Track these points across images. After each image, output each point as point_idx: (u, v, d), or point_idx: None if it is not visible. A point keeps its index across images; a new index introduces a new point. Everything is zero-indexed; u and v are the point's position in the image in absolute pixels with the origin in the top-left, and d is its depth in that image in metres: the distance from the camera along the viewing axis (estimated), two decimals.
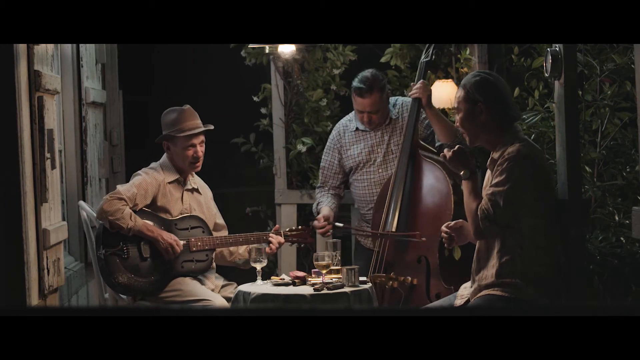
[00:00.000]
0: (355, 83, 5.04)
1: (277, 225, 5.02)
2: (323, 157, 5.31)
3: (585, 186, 4.51)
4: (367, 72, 5.07)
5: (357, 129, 5.17)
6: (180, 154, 4.69)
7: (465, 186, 3.72)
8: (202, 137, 4.72)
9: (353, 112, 5.25)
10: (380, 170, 5.10)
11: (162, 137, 4.72)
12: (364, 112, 5.05)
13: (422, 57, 5.05)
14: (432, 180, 4.78)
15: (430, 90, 4.95)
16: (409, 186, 4.83)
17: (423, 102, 4.90)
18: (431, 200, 4.77)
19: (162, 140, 4.73)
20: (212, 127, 4.75)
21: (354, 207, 5.54)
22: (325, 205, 5.18)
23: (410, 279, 4.70)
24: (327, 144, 5.31)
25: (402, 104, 5.14)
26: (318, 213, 5.17)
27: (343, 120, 5.29)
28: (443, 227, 3.90)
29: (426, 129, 5.03)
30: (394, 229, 4.78)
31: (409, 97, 5.00)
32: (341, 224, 4.96)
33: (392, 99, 5.18)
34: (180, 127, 4.68)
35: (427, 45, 5.12)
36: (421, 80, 4.95)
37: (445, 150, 3.79)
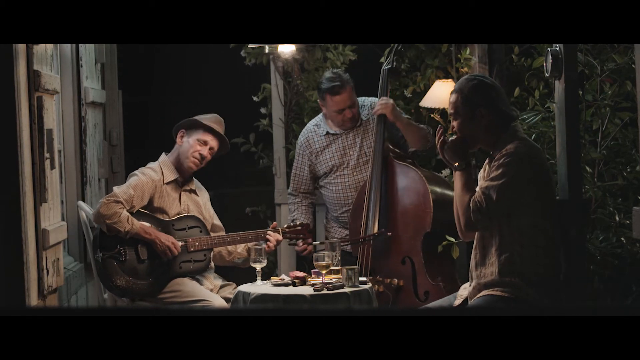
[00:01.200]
0: (326, 84, 5.03)
1: (274, 222, 5.01)
2: (294, 163, 5.31)
3: (585, 186, 4.50)
4: (330, 73, 5.10)
5: (327, 132, 5.16)
6: (191, 144, 4.69)
7: (458, 178, 3.70)
8: (215, 143, 4.73)
9: (319, 116, 5.24)
10: (354, 173, 5.09)
11: (185, 123, 4.73)
12: (344, 109, 5.03)
13: (384, 64, 5.07)
14: (407, 181, 4.80)
15: (393, 104, 4.93)
16: (385, 190, 4.85)
17: (389, 118, 4.89)
18: (409, 201, 4.79)
19: (183, 127, 4.73)
20: (229, 145, 4.82)
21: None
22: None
23: (396, 280, 4.71)
24: (296, 150, 5.31)
25: (370, 105, 5.13)
26: None
27: (309, 126, 5.28)
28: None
29: (397, 131, 5.01)
30: (375, 233, 4.79)
31: (373, 115, 4.98)
32: (318, 242, 4.97)
33: (359, 100, 5.17)
34: (205, 121, 4.73)
35: (387, 52, 5.14)
36: (382, 97, 4.95)
37: (445, 138, 3.76)
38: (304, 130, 5.32)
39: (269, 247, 4.67)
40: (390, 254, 4.79)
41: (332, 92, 5.01)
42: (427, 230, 4.66)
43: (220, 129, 4.76)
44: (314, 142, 5.19)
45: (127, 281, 4.52)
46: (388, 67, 5.04)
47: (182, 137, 4.74)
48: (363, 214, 4.86)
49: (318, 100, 5.19)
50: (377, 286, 4.68)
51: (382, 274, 4.75)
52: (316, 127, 5.21)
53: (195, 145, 4.69)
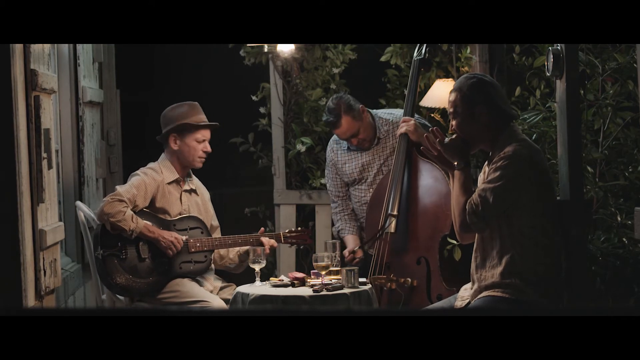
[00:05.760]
0: (324, 117, 5.06)
1: (262, 228, 4.91)
2: (326, 170, 5.32)
3: (587, 186, 4.49)
4: (330, 102, 5.03)
5: (348, 147, 5.16)
6: (190, 146, 4.67)
7: (457, 177, 3.68)
8: (208, 133, 4.73)
9: None
10: (371, 190, 5.06)
11: (175, 128, 4.67)
12: (349, 138, 5.04)
13: (415, 54, 4.99)
14: (430, 180, 4.74)
15: (415, 123, 4.78)
16: (407, 187, 4.79)
17: (412, 138, 4.77)
18: (429, 200, 4.73)
19: (173, 132, 4.68)
20: (217, 125, 4.77)
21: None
22: (347, 233, 5.17)
23: (410, 280, 4.67)
24: (326, 160, 5.32)
25: (392, 120, 5.05)
26: (340, 238, 5.18)
27: (335, 137, 5.22)
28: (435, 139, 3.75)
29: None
30: (392, 230, 4.75)
31: (396, 135, 4.89)
32: (367, 245, 4.95)
33: (383, 115, 5.10)
34: (193, 119, 4.69)
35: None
36: (404, 117, 4.84)
37: (445, 138, 3.73)
38: (330, 140, 5.31)
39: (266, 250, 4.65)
40: (406, 252, 4.74)
41: (329, 126, 5.08)
42: (446, 232, 4.58)
43: (204, 116, 4.74)
44: (337, 153, 5.21)
45: (127, 279, 4.50)
46: (420, 57, 4.95)
47: (175, 141, 4.69)
48: (382, 208, 4.81)
49: None
50: (390, 284, 4.64)
51: (397, 272, 4.71)
52: (340, 139, 5.19)
53: (196, 147, 4.68)
